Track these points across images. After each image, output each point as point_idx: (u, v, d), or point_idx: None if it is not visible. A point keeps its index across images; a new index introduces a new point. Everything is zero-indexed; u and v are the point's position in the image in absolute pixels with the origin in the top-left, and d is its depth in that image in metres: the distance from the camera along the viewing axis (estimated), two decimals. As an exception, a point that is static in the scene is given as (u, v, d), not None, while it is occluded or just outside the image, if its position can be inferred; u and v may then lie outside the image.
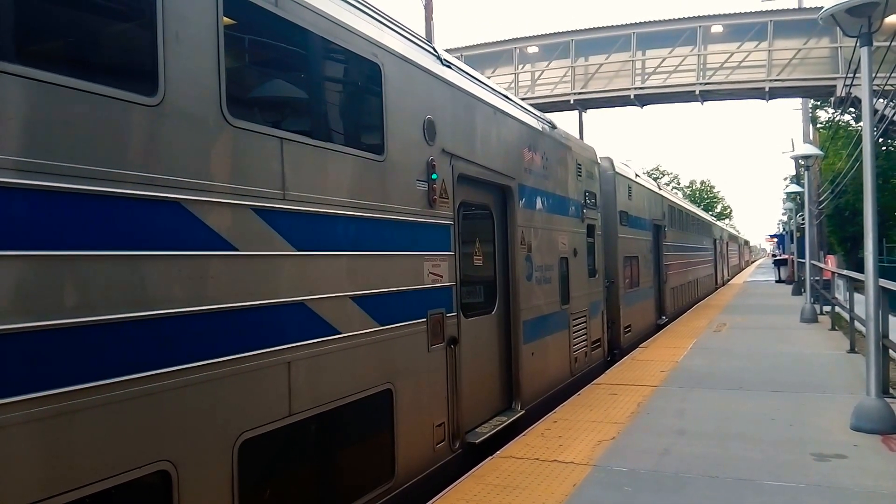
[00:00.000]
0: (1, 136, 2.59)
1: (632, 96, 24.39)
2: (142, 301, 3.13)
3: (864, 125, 7.23)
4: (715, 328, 15.71)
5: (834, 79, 21.53)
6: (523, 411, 7.64)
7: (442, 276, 6.01)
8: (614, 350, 12.48)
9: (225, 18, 3.68)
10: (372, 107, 5.23)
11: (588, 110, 26.99)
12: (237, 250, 3.69)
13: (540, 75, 25.84)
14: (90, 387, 2.87)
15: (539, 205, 8.59)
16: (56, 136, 2.82)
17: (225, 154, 3.66)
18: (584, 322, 10.42)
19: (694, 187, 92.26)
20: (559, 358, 9.28)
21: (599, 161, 12.03)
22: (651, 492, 5.31)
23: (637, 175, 16.15)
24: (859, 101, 19.09)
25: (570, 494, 5.26)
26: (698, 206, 49.94)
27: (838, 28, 6.86)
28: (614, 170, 13.05)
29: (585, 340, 10.45)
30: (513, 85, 25.16)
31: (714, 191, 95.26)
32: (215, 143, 3.60)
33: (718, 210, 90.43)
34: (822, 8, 6.85)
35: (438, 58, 6.36)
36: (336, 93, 5.14)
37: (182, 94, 3.39)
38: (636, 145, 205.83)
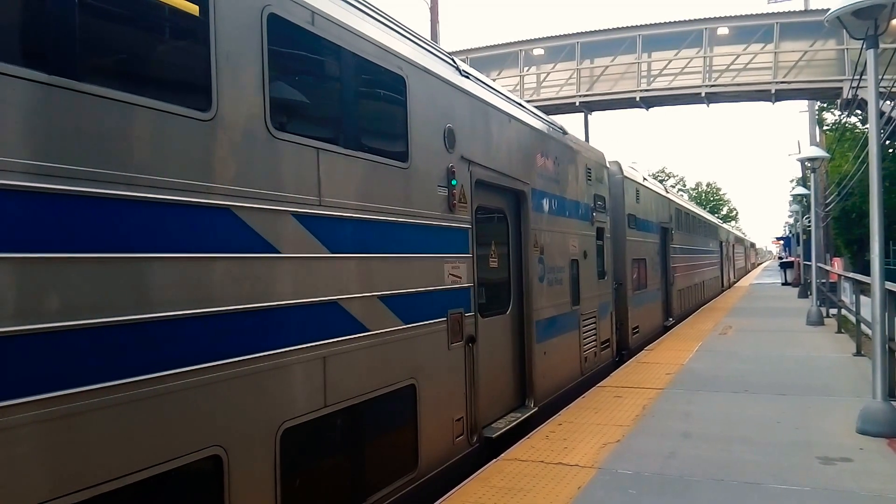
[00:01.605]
0: (84, 151, 2.89)
1: (637, 98, 24.34)
2: (199, 300, 3.42)
3: (871, 127, 7.22)
4: (721, 331, 15.67)
5: (840, 81, 21.45)
6: (536, 408, 7.86)
7: (461, 278, 6.29)
8: (622, 350, 12.68)
9: (268, 38, 4.00)
10: (397, 117, 5.50)
11: (593, 112, 26.95)
12: (279, 253, 3.99)
13: (545, 77, 25.81)
14: (156, 377, 3.17)
15: (551, 208, 8.83)
16: (127, 150, 3.11)
17: (269, 164, 3.95)
18: (594, 323, 10.65)
19: (700, 189, 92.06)
20: (570, 357, 9.52)
21: (608, 165, 12.29)
22: (656, 495, 5.30)
23: (645, 178, 16.44)
24: (866, 103, 19.03)
25: (575, 497, 5.25)
26: (704, 209, 49.83)
27: (845, 30, 6.84)
28: (623, 173, 13.26)
29: (595, 341, 10.67)
30: (518, 87, 25.14)
31: (720, 193, 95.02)
32: (260, 153, 3.88)
33: (724, 212, 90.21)
34: (828, 10, 6.84)
35: (457, 68, 6.69)
36: (365, 104, 5.37)
37: (232, 109, 3.69)
38: (642, 147, 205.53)
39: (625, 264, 13.12)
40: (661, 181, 33.22)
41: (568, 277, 9.42)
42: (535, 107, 9.02)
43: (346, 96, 5.00)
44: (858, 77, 15.80)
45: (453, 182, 6.17)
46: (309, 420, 4.18)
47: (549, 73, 25.72)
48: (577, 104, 25.16)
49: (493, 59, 25.95)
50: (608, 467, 5.94)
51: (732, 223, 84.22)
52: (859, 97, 18.70)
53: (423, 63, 5.80)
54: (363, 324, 4.81)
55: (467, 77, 6.83)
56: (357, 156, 4.82)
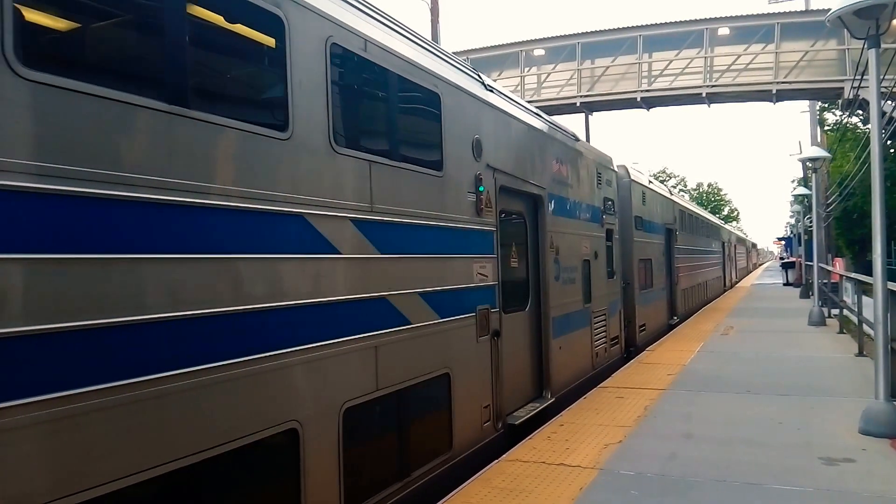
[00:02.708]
0: (186, 167, 3.41)
1: (638, 99, 24.32)
2: (277, 294, 3.99)
3: (873, 127, 7.20)
4: (722, 332, 15.66)
5: (842, 81, 21.42)
6: (553, 399, 8.40)
7: (487, 276, 6.85)
8: (630, 347, 13.14)
9: (331, 65, 4.57)
10: (433, 130, 6.07)
11: (594, 113, 26.94)
12: (340, 253, 4.60)
13: (546, 78, 25.78)
14: (248, 360, 3.75)
15: (565, 211, 9.39)
16: (222, 167, 3.70)
17: (332, 176, 4.55)
18: (604, 320, 11.19)
19: (701, 190, 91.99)
20: (582, 352, 10.05)
21: (616, 169, 12.85)
22: (658, 496, 5.29)
23: (650, 181, 16.96)
24: (867, 103, 19.00)
25: (577, 498, 5.25)
26: (705, 209, 49.80)
27: (846, 30, 6.83)
28: (630, 177, 13.81)
29: (605, 337, 11.22)
30: (519, 88, 25.13)
31: (721, 193, 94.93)
32: (325, 167, 4.48)
33: (726, 213, 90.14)
34: (829, 10, 6.83)
35: (482, 83, 7.25)
36: (406, 120, 5.98)
37: (304, 129, 4.27)
38: (643, 147, 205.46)
39: (632, 264, 13.52)
40: (662, 181, 33.21)
41: (580, 277, 9.93)
42: (537, 107, 9.22)
43: (392, 113, 5.68)
44: (860, 77, 15.79)
45: (480, 188, 6.71)
46: (364, 401, 4.78)
47: (549, 74, 25.70)
48: (578, 104, 25.15)
49: (493, 59, 25.93)
50: (610, 468, 5.93)
51: (734, 223, 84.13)
52: (860, 97, 18.68)
53: (454, 80, 6.41)
54: (407, 317, 5.39)
55: (491, 91, 7.39)
56: (400, 167, 5.41)
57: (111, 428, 2.98)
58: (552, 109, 21.30)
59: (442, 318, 5.94)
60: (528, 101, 12.25)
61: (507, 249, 7.49)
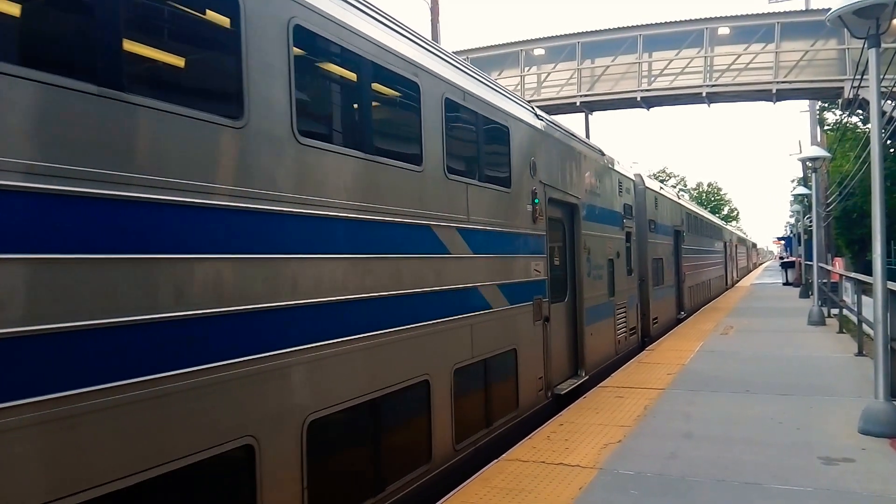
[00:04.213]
0: (378, 196, 4.99)
1: (638, 98, 24.29)
2: (419, 283, 5.59)
3: (873, 127, 7.20)
4: (722, 331, 15.66)
5: (842, 80, 21.40)
6: (587, 377, 9.88)
7: (539, 272, 8.35)
8: (645, 337, 14.68)
9: (446, 116, 6.16)
10: (505, 156, 7.63)
11: (594, 112, 26.90)
12: (450, 254, 6.13)
13: (546, 77, 25.76)
14: (415, 326, 5.48)
15: (595, 217, 10.91)
16: (397, 196, 5.36)
17: (446, 195, 6.14)
18: (625, 312, 12.75)
19: (701, 189, 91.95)
20: (608, 338, 11.58)
21: (633, 177, 14.66)
22: (657, 495, 5.29)
23: (661, 187, 18.96)
24: (867, 102, 18.97)
25: (576, 498, 5.24)
26: (705, 209, 49.81)
27: (846, 29, 6.82)
28: (644, 184, 15.52)
29: (625, 327, 12.77)
30: (518, 87, 25.11)
31: (721, 193, 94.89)
32: (442, 190, 6.09)
33: (725, 212, 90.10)
34: (829, 9, 6.82)
35: (534, 113, 8.76)
36: (488, 148, 7.45)
37: (432, 165, 5.85)
38: (643, 147, 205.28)
39: (646, 263, 15.10)
40: (661, 181, 33.19)
41: (606, 274, 11.42)
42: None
43: (480, 145, 7.19)
44: (860, 77, 15.78)
45: (535, 200, 8.21)
46: (464, 365, 6.36)
47: (549, 74, 25.68)
48: (578, 104, 25.11)
49: (493, 59, 25.89)
50: (609, 468, 5.93)
51: (733, 223, 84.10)
52: (860, 97, 18.68)
53: (518, 114, 7.98)
54: (489, 303, 6.94)
55: (540, 119, 8.86)
56: (485, 186, 6.98)
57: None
58: (552, 109, 21.28)
59: (511, 304, 7.46)
60: (529, 101, 12.40)
61: (552, 250, 8.85)
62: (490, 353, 6.91)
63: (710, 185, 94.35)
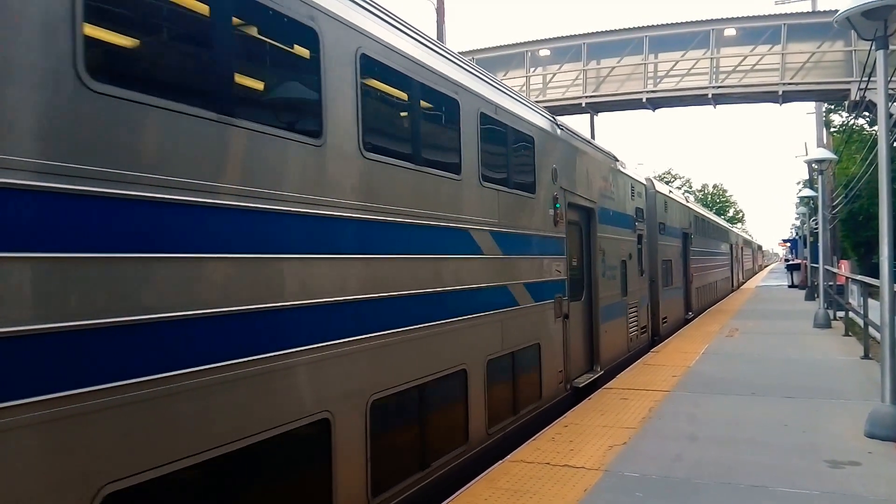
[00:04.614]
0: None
1: (644, 100, 24.21)
2: (461, 281, 6.32)
3: (880, 129, 7.17)
4: (727, 333, 15.62)
5: (848, 82, 21.32)
6: (602, 372, 10.45)
7: (560, 272, 8.93)
8: (654, 336, 15.11)
9: (481, 130, 6.78)
10: (530, 164, 8.23)
11: (600, 113, 26.85)
12: (483, 254, 6.77)
13: (551, 78, 25.73)
14: (438, 323, 5.88)
15: (609, 220, 11.42)
16: (447, 203, 6.14)
17: (480, 201, 6.75)
18: (636, 311, 13.32)
19: (706, 191, 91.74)
20: (621, 336, 12.15)
21: (644, 181, 15.15)
22: (663, 498, 5.28)
23: (671, 191, 19.51)
24: (874, 104, 18.91)
25: (581, 500, 5.24)
26: (710, 210, 49.71)
27: (853, 31, 6.80)
28: (655, 188, 16.01)
29: (637, 325, 13.34)
30: (524, 88, 25.08)
31: (726, 195, 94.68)
32: (477, 196, 6.69)
33: (730, 214, 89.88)
34: (836, 11, 6.80)
35: (555, 122, 9.34)
36: (517, 158, 8.04)
37: (469, 175, 6.50)
38: (648, 148, 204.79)
39: (656, 264, 15.60)
40: (667, 182, 33.10)
41: (619, 274, 11.96)
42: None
43: (509, 154, 7.78)
44: (867, 79, 15.72)
45: (557, 205, 8.79)
46: (496, 357, 6.99)
47: (555, 74, 25.65)
48: (584, 105, 25.05)
49: (499, 59, 25.85)
50: (614, 470, 5.92)
51: (739, 225, 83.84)
52: (867, 99, 18.61)
53: (541, 125, 8.58)
54: (517, 300, 7.54)
55: (561, 128, 9.47)
56: (513, 192, 7.56)
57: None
58: (557, 110, 21.24)
59: (535, 302, 8.06)
60: (535, 102, 12.52)
61: (570, 251, 9.37)
62: (517, 347, 7.55)
63: (715, 186, 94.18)
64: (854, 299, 16.48)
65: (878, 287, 7.18)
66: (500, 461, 6.26)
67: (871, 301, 11.61)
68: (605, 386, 9.71)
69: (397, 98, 5.72)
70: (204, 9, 3.61)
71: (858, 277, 14.75)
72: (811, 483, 5.47)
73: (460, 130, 6.39)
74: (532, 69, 25.80)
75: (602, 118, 31.17)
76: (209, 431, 3.45)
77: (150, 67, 3.43)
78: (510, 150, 7.81)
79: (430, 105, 6.15)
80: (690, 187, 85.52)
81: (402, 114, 5.89)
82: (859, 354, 11.70)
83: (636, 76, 24.39)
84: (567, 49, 25.37)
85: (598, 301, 10.43)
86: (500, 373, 7.13)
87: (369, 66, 4.95)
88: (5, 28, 2.65)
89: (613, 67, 24.83)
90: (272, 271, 3.98)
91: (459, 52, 8.97)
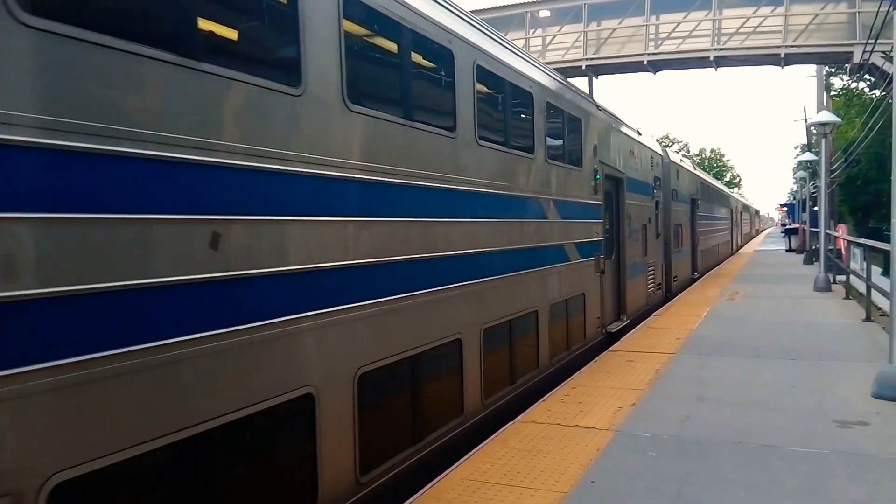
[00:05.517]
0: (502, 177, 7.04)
1: (645, 62, 23.91)
2: (540, 239, 8.10)
3: (895, 90, 7.08)
4: (728, 297, 15.69)
5: (852, 45, 21.09)
6: (628, 321, 12.04)
7: (598, 234, 10.39)
8: (667, 293, 16.76)
9: (547, 114, 8.34)
10: (579, 143, 9.65)
11: (600, 76, 26.57)
12: (547, 219, 8.28)
13: (551, 40, 25.39)
14: (513, 275, 7.30)
15: (634, 188, 12.98)
16: (522, 177, 7.63)
17: (546, 175, 8.26)
18: (654, 269, 14.95)
19: (704, 155, 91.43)
20: (642, 291, 13.81)
21: (661, 152, 16.68)
22: (676, 457, 5.33)
23: (681, 160, 21.30)
24: (877, 67, 18.77)
25: (595, 458, 5.29)
26: (708, 174, 49.64)
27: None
28: (669, 158, 17.84)
29: (654, 282, 15.02)
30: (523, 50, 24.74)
31: (724, 159, 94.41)
32: (543, 171, 8.16)
33: (727, 179, 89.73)
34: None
35: (595, 104, 10.91)
36: (571, 137, 9.39)
37: (539, 153, 7.98)
38: (647, 111, 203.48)
39: (669, 228, 17.16)
40: (665, 147, 32.98)
41: (641, 237, 13.56)
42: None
43: (565, 135, 9.15)
44: (874, 41, 15.54)
45: (597, 177, 10.27)
46: (556, 303, 8.57)
47: (555, 36, 25.31)
48: (584, 67, 24.73)
49: (497, 20, 25.38)
50: (625, 430, 5.97)
51: (735, 190, 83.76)
52: (870, 62, 18.43)
53: (586, 108, 10.09)
54: (569, 257, 9.04)
55: (600, 109, 11.04)
56: (568, 167, 9.06)
57: None
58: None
59: (582, 258, 9.53)
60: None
61: (604, 217, 10.75)
62: (570, 295, 9.09)
63: (712, 151, 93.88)
64: (856, 263, 16.54)
65: (881, 251, 7.16)
66: (512, 422, 6.30)
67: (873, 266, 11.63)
68: (610, 349, 9.77)
69: (496, 94, 7.18)
70: None
71: (863, 241, 14.75)
72: (822, 443, 5.53)
73: (534, 117, 7.86)
74: (532, 31, 25.44)
75: (601, 81, 30.86)
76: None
77: None
78: (566, 133, 9.16)
79: (519, 100, 7.67)
80: (688, 152, 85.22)
81: (496, 105, 7.26)
82: (861, 317, 11.78)
83: (637, 38, 24.06)
84: (567, 10, 24.97)
85: (625, 259, 11.99)
86: (558, 316, 8.65)
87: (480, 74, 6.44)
88: None
89: (614, 29, 24.49)
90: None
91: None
